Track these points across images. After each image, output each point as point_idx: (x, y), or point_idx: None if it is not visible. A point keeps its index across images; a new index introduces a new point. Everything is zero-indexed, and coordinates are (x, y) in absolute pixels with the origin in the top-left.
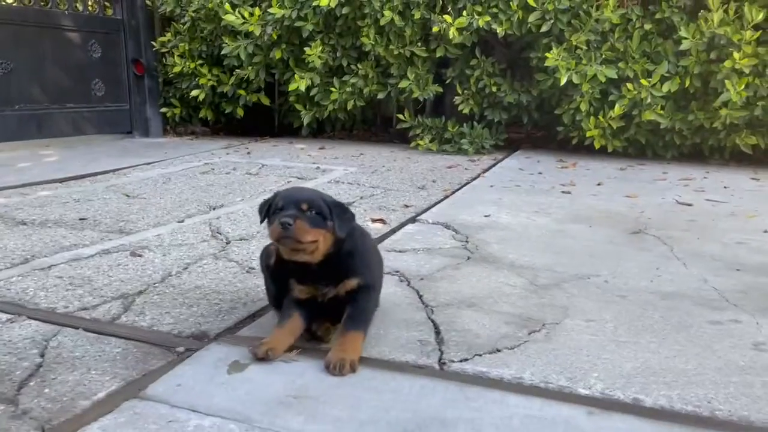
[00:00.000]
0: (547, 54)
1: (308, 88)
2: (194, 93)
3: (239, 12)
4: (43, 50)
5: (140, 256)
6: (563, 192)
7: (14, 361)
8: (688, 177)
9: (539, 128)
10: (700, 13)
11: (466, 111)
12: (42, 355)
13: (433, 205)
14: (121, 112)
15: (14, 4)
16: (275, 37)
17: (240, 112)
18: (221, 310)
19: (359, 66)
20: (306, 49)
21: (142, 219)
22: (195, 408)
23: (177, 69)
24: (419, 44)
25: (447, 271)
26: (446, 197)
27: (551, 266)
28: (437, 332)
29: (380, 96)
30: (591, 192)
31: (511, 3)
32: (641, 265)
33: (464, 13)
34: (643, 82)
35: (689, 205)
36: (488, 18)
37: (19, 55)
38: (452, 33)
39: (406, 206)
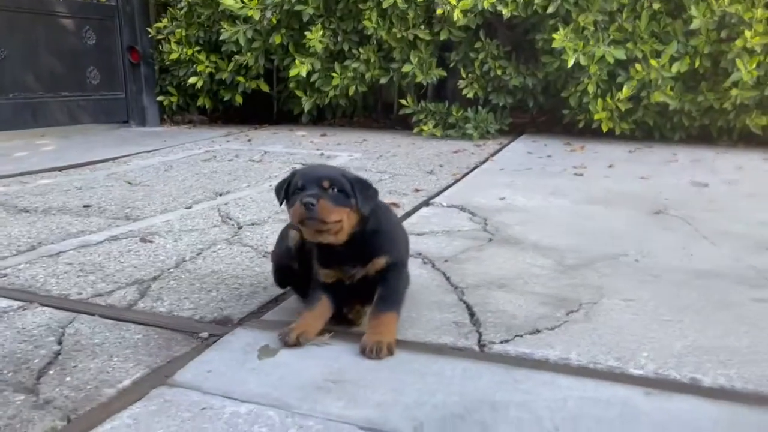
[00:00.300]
0: (554, 35)
1: (309, 74)
2: (192, 80)
3: None
4: (37, 37)
5: (151, 242)
6: (575, 174)
7: (31, 349)
8: (699, 158)
9: (544, 112)
10: None
11: (470, 95)
12: (59, 343)
13: (445, 189)
14: (116, 100)
15: None
16: (275, 22)
17: (239, 100)
18: (242, 295)
19: (361, 50)
20: (306, 33)
21: (148, 206)
22: (229, 394)
23: (174, 56)
24: (422, 27)
25: (471, 253)
26: (457, 181)
27: (576, 247)
28: (471, 314)
29: (382, 81)
30: (603, 174)
31: None
32: (669, 245)
33: None
34: (653, 62)
35: (705, 185)
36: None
37: (13, 43)
38: (456, 15)
39: (417, 190)
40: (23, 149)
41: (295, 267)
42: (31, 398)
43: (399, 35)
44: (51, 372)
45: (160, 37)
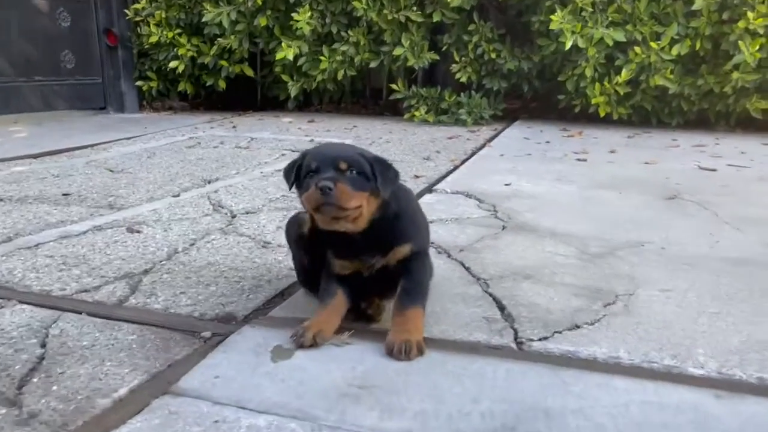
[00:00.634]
0: (551, 17)
1: (296, 57)
2: (172, 64)
3: None
4: (8, 19)
5: (139, 232)
6: (578, 160)
7: (10, 354)
8: (700, 143)
9: (537, 97)
10: None
11: (463, 79)
12: (43, 346)
13: (446, 175)
14: (93, 86)
15: None
16: (260, 3)
17: (222, 85)
18: (244, 289)
19: (350, 33)
20: (294, 15)
21: (133, 194)
22: (243, 404)
23: (153, 39)
24: (414, 8)
25: (486, 242)
26: (456, 167)
27: (596, 234)
28: (501, 308)
29: (372, 65)
30: (607, 159)
31: None
32: (692, 231)
33: None
34: (653, 44)
35: (713, 170)
36: None
37: None
38: None
39: (417, 176)
40: None
41: (306, 258)
42: (13, 412)
43: (390, 17)
44: (35, 380)
45: (138, 19)
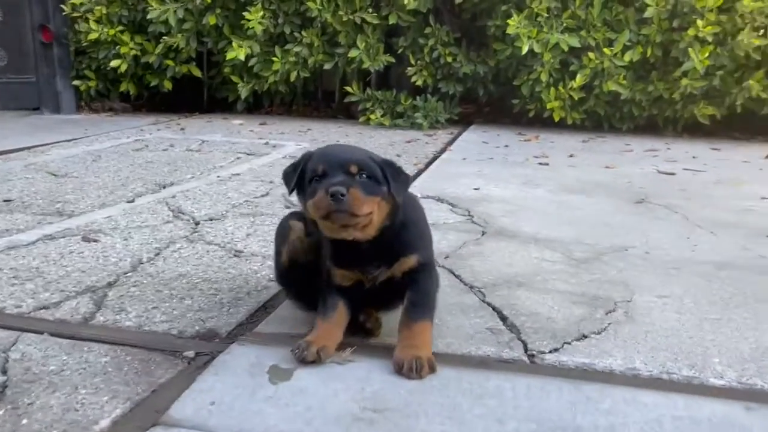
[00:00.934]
0: (508, 21)
1: (247, 58)
2: (114, 63)
3: None
4: None
5: (96, 241)
6: (540, 164)
7: None
8: (652, 148)
9: (492, 101)
10: None
11: (419, 83)
12: (4, 372)
13: (413, 179)
14: (26, 85)
15: None
16: (209, 1)
17: (168, 85)
18: (222, 302)
19: (304, 34)
20: (245, 14)
21: (82, 199)
22: None
23: (93, 36)
24: (370, 10)
25: (470, 248)
26: (421, 171)
27: (578, 239)
28: (503, 318)
29: (327, 66)
30: (567, 164)
31: None
32: (669, 235)
33: None
34: (606, 51)
35: (672, 174)
36: None
37: None
38: None
39: None
40: None
41: (298, 268)
42: None
43: (345, 18)
44: (0, 412)
45: (76, 15)
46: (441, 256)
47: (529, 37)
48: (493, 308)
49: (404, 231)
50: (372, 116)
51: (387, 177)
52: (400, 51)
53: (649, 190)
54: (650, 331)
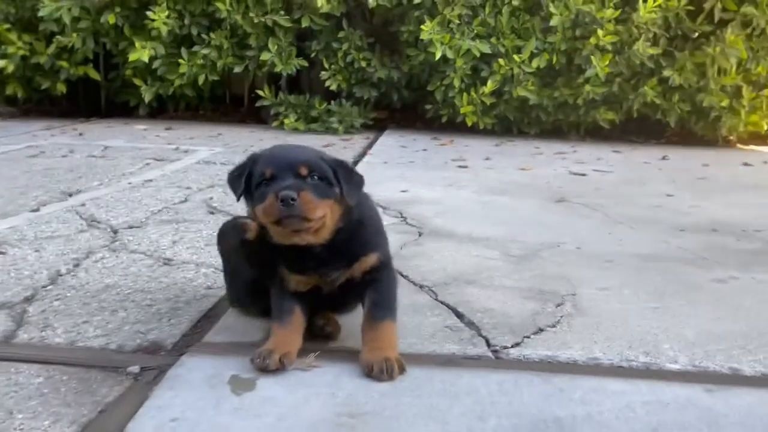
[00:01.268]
0: (422, 27)
1: (151, 60)
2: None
3: None
4: None
5: (2, 253)
6: (460, 167)
7: None
8: (560, 151)
9: (404, 107)
10: None
11: (333, 87)
12: None
13: None
14: None
15: None
16: None
17: (62, 88)
18: (160, 313)
19: (212, 35)
20: (148, 13)
21: None
22: None
23: None
24: (282, 12)
25: (411, 248)
26: None
27: (511, 237)
28: (458, 315)
29: (237, 70)
30: (485, 166)
31: None
32: (595, 231)
33: None
34: (516, 57)
35: (583, 175)
36: None
37: None
38: (319, 1)
39: None
40: None
41: (248, 272)
42: None
43: (256, 20)
44: None
45: None
46: None
47: (442, 43)
48: (448, 306)
49: (361, 230)
50: (286, 121)
51: (339, 179)
52: (313, 55)
53: (566, 189)
54: (600, 322)
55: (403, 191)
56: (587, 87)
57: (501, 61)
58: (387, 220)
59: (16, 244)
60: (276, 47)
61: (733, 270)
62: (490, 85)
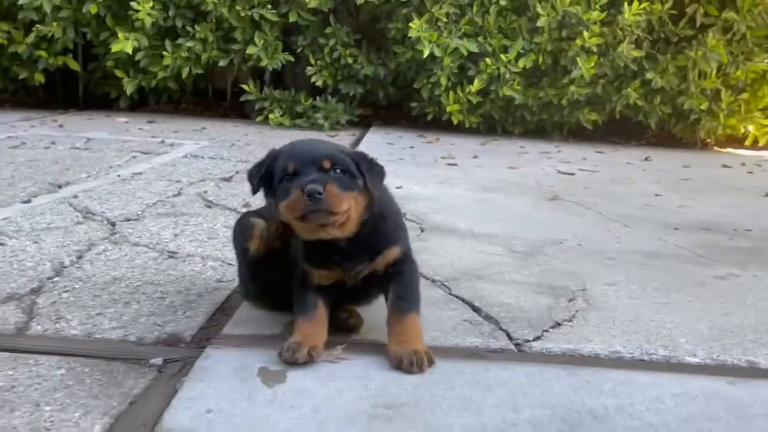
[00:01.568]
0: (410, 24)
1: (134, 52)
2: None
3: None
4: None
5: (1, 244)
6: (449, 164)
7: None
8: (545, 151)
9: (390, 104)
10: None
11: (319, 83)
12: None
13: None
14: None
15: None
16: None
17: (40, 78)
18: (174, 306)
19: (197, 28)
20: (132, 4)
21: None
22: None
23: None
24: (269, 6)
25: (416, 244)
26: None
27: (512, 233)
28: (475, 309)
29: (222, 63)
30: (474, 164)
31: None
32: (592, 228)
33: None
34: (502, 57)
35: (571, 174)
36: None
37: None
38: None
39: None
40: None
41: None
42: None
43: (242, 13)
44: None
45: None
46: None
47: (430, 41)
48: (463, 300)
49: (383, 223)
50: (271, 116)
51: (361, 170)
52: (299, 50)
53: (557, 188)
54: (615, 317)
55: (398, 187)
56: (572, 88)
57: (488, 60)
58: None
59: (12, 235)
60: (262, 41)
61: (732, 267)
62: (476, 84)
